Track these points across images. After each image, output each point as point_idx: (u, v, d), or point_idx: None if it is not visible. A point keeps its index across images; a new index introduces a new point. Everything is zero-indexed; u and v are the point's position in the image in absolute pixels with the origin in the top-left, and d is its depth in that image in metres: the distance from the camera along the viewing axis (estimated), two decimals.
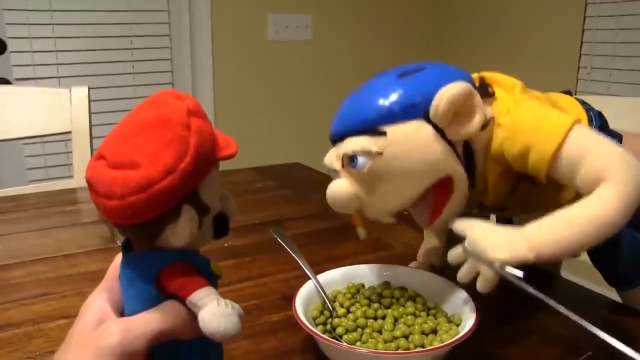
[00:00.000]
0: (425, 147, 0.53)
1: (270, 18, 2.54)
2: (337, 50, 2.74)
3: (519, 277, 0.49)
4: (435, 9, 2.95)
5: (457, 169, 0.55)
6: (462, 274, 0.53)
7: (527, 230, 0.51)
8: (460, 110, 0.53)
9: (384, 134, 0.53)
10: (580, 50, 2.31)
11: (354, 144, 0.54)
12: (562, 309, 0.47)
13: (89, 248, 0.85)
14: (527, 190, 0.60)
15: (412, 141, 0.53)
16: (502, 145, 0.55)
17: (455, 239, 0.55)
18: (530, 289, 0.48)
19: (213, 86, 2.49)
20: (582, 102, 0.66)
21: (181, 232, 0.34)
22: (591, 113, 0.64)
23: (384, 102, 0.53)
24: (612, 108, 1.01)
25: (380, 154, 0.53)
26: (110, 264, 0.42)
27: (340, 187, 0.56)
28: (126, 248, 0.38)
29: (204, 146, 0.34)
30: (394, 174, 0.54)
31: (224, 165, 0.39)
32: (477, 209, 0.65)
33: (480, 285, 0.52)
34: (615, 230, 0.50)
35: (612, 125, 0.66)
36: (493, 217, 0.74)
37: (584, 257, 0.66)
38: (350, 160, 0.54)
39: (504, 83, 0.59)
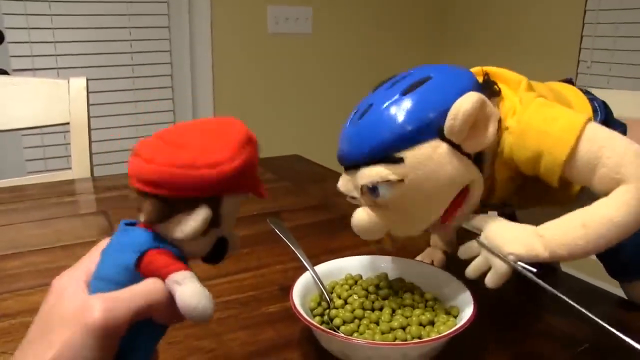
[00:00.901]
0: (445, 166, 0.51)
1: (270, 10, 2.53)
2: (337, 43, 2.73)
3: (532, 272, 0.49)
4: (435, 3, 2.94)
5: (475, 178, 0.54)
6: (473, 268, 0.53)
7: (543, 230, 0.51)
8: (476, 122, 0.51)
9: (401, 160, 0.51)
10: (580, 44, 2.31)
11: (372, 174, 0.52)
12: (575, 306, 0.48)
13: (86, 239, 0.86)
14: (533, 187, 0.59)
15: (431, 163, 0.51)
16: (510, 151, 0.54)
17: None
18: (544, 285, 0.49)
19: (212, 78, 2.48)
20: (586, 92, 0.65)
21: (189, 224, 0.36)
22: (595, 104, 0.63)
23: (395, 128, 0.51)
24: (612, 102, 1.01)
25: (401, 181, 0.51)
26: None
27: (365, 219, 0.55)
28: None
29: (247, 168, 0.37)
30: (418, 198, 0.53)
31: None
32: (480, 206, 0.65)
33: (490, 280, 0.51)
34: (631, 232, 0.49)
35: None
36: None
37: None
38: (371, 191, 0.53)
39: (509, 79, 0.58)
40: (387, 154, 0.52)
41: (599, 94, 0.67)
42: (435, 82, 0.53)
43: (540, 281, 0.49)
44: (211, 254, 0.40)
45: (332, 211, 0.98)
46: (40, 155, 2.23)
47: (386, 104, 0.53)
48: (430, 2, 2.93)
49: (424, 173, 0.51)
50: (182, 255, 0.38)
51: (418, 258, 0.72)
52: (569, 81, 0.68)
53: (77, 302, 0.35)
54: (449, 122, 0.50)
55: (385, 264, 0.64)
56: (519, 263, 0.50)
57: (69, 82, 1.30)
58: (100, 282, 0.37)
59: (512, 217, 0.73)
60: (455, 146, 0.52)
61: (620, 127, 0.62)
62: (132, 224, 0.39)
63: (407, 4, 2.87)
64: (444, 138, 0.51)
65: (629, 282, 0.66)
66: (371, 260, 0.65)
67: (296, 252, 0.65)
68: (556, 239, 0.50)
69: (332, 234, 0.88)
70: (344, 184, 0.57)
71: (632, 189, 0.48)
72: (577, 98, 0.63)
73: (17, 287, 0.70)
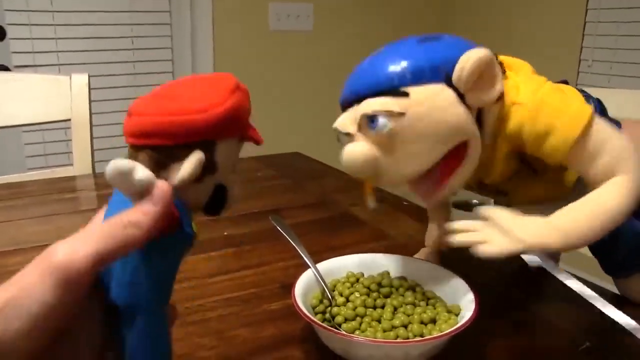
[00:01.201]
0: (448, 109, 0.52)
1: (271, 7, 2.53)
2: (338, 40, 2.72)
3: (540, 261, 0.52)
4: (436, 0, 2.94)
5: (475, 134, 0.54)
6: (470, 238, 0.52)
7: (556, 220, 0.52)
8: (483, 75, 0.53)
9: (406, 94, 0.52)
10: (582, 43, 2.30)
11: (375, 104, 0.52)
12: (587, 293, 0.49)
13: None
14: (526, 177, 0.60)
15: (435, 103, 0.52)
16: (520, 124, 0.55)
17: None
18: (557, 271, 0.50)
19: None
20: (581, 91, 0.66)
21: (184, 169, 0.35)
22: (591, 101, 0.63)
23: (406, 63, 0.52)
24: (613, 101, 1.00)
25: (402, 114, 0.52)
26: None
27: (358, 150, 0.54)
28: None
29: (238, 112, 0.37)
30: (416, 136, 0.53)
31: None
32: (476, 187, 0.65)
33: (487, 249, 0.50)
34: (622, 222, 0.52)
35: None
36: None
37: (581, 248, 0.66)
38: (369, 120, 0.53)
39: (513, 64, 0.59)
40: (392, 85, 0.52)
41: (600, 92, 0.67)
42: (448, 39, 0.55)
43: (554, 268, 0.50)
44: (211, 203, 0.39)
45: (332, 209, 0.98)
46: (40, 152, 2.23)
47: (400, 46, 0.55)
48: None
49: (427, 110, 0.52)
50: (183, 207, 0.37)
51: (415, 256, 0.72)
52: (564, 83, 0.69)
53: None
54: (459, 65, 0.52)
55: (387, 262, 0.64)
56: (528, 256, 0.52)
57: (70, 78, 1.30)
58: None
59: None
60: (459, 96, 0.53)
61: (615, 124, 0.63)
62: None
63: (408, 1, 2.87)
64: (450, 85, 0.53)
65: (624, 277, 0.66)
66: (373, 258, 0.65)
67: (298, 249, 0.64)
68: (570, 230, 0.51)
69: (333, 232, 0.88)
70: (341, 120, 0.57)
71: (628, 180, 0.51)
72: (573, 94, 0.64)
73: None
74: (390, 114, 0.52)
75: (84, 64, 2.22)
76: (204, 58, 2.45)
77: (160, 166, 0.36)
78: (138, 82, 2.35)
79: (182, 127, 0.35)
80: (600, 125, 0.54)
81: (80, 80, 1.30)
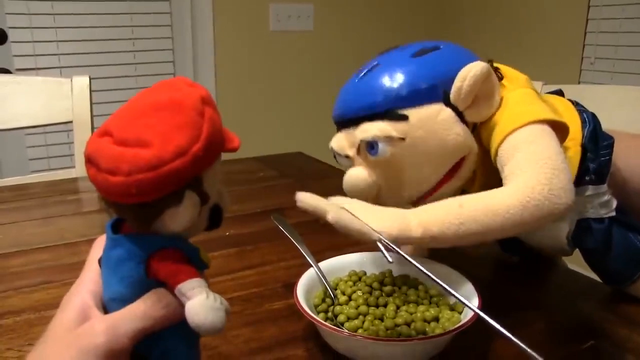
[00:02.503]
0: (448, 130, 0.51)
1: (272, 8, 2.53)
2: (339, 40, 2.72)
3: (398, 252, 0.45)
4: (437, 0, 2.94)
5: (474, 148, 0.53)
6: (320, 203, 0.49)
7: (419, 208, 0.49)
8: (481, 91, 0.52)
9: (405, 118, 0.50)
10: (584, 41, 2.30)
11: (374, 129, 0.51)
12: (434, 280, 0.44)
13: (90, 237, 0.85)
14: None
15: (433, 125, 0.51)
16: (485, 125, 0.54)
17: None
18: (414, 262, 0.44)
19: (215, 76, 2.48)
20: (576, 104, 0.65)
21: (182, 216, 0.34)
22: (584, 115, 0.63)
23: (403, 85, 0.51)
24: (616, 98, 1.00)
25: (402, 139, 0.51)
26: None
27: (359, 176, 0.54)
28: (112, 230, 0.37)
29: (215, 135, 0.34)
30: (417, 160, 0.52)
31: (226, 155, 0.38)
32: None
33: (334, 215, 0.47)
34: (507, 232, 0.47)
35: (615, 115, 0.66)
36: None
37: None
38: (369, 146, 0.52)
39: (508, 74, 0.58)
40: (391, 109, 0.51)
41: (602, 89, 0.67)
42: (444, 51, 0.54)
43: (407, 255, 0.45)
44: (209, 222, 0.38)
45: None
46: (43, 155, 2.23)
47: (394, 62, 0.53)
48: None
49: (426, 134, 0.51)
50: (182, 242, 0.36)
51: None
52: (559, 92, 0.68)
53: (72, 314, 0.35)
54: (457, 83, 0.51)
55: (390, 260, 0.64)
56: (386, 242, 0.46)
57: (72, 80, 1.30)
58: (114, 303, 0.35)
59: None
60: (458, 114, 0.52)
61: (608, 139, 0.62)
62: (118, 222, 0.37)
63: (408, 1, 2.87)
64: (448, 103, 0.52)
65: (622, 287, 0.65)
66: (375, 257, 0.65)
67: (300, 248, 0.64)
68: (430, 216, 0.47)
69: (336, 231, 0.87)
70: (338, 141, 0.55)
71: (522, 190, 0.47)
72: (567, 110, 0.64)
73: (20, 284, 0.70)
74: (390, 140, 0.51)
75: (85, 66, 2.22)
76: (204, 59, 2.45)
77: (150, 219, 0.34)
78: (139, 84, 2.35)
79: (166, 179, 0.32)
80: (538, 135, 0.50)
81: (82, 82, 1.30)
